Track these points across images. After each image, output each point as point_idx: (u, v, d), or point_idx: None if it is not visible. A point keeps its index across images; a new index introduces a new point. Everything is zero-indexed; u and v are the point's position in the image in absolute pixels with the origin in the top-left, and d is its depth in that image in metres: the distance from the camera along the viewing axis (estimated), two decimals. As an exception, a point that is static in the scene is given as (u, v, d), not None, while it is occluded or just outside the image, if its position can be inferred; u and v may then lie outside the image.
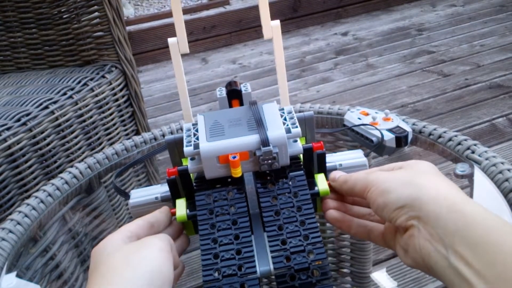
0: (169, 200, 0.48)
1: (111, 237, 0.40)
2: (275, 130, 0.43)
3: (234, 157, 0.42)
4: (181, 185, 0.46)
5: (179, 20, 0.49)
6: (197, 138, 0.45)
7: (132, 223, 0.43)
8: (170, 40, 0.48)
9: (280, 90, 0.52)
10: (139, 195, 0.50)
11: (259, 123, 0.44)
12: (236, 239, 0.41)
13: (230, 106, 0.53)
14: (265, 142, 0.42)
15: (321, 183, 0.46)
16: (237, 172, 0.42)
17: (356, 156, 0.51)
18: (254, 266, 0.39)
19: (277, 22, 0.49)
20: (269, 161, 0.42)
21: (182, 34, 0.47)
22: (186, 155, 0.44)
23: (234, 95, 0.52)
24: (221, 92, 0.53)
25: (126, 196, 0.51)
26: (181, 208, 0.45)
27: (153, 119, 1.86)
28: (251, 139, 0.43)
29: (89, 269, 0.39)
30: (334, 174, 0.46)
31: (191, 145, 0.44)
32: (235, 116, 0.47)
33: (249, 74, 2.21)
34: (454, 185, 0.40)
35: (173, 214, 0.46)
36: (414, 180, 0.39)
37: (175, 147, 0.52)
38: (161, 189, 0.50)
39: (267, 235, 0.41)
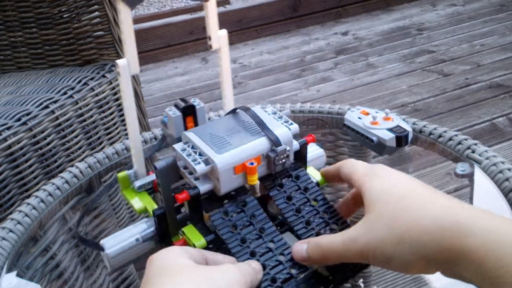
0: (152, 239, 0.44)
1: (173, 250, 0.37)
2: (279, 129, 0.43)
3: (252, 164, 0.41)
4: (190, 210, 0.42)
5: (129, 38, 0.42)
6: (200, 154, 0.41)
7: (189, 247, 0.39)
8: (120, 62, 0.42)
9: (225, 100, 0.51)
10: (114, 242, 0.43)
11: (263, 126, 0.43)
12: (272, 244, 0.40)
13: (185, 124, 0.48)
14: (277, 142, 0.42)
15: (316, 174, 0.48)
16: (254, 179, 0.41)
17: (313, 149, 0.51)
18: (304, 265, 0.39)
19: (224, 32, 0.48)
20: (283, 160, 0.42)
21: (133, 53, 0.42)
22: (199, 173, 0.40)
23: (189, 111, 0.47)
24: (174, 111, 0.47)
25: (97, 247, 0.44)
26: (195, 235, 0.42)
27: (153, 119, 1.86)
28: (261, 142, 0.42)
29: (148, 279, 0.35)
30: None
31: (199, 163, 0.40)
32: (227, 125, 0.44)
33: (249, 73, 2.21)
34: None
35: (183, 245, 0.42)
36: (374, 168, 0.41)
37: (167, 173, 0.44)
38: (137, 229, 0.44)
39: (298, 233, 0.41)
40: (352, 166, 0.42)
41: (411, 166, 1.38)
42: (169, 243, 0.43)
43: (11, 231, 0.52)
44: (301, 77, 2.14)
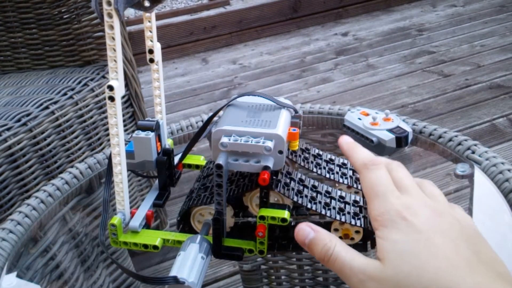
0: (210, 252, 0.43)
1: None
2: (285, 100, 0.45)
3: (294, 130, 0.42)
4: (262, 192, 0.41)
5: (119, 54, 0.37)
6: (252, 136, 0.40)
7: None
8: (115, 83, 0.37)
9: (158, 108, 0.51)
10: (187, 270, 0.40)
11: (274, 100, 0.44)
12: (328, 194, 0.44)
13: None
14: (295, 109, 0.44)
15: None
16: (296, 145, 0.43)
17: None
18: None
19: (159, 45, 0.49)
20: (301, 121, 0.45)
21: (121, 74, 0.38)
22: (271, 148, 0.39)
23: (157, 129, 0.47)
24: (146, 133, 0.46)
25: (175, 281, 0.40)
26: (274, 212, 0.41)
27: (153, 119, 1.86)
28: (286, 112, 0.43)
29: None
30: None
31: (264, 142, 0.40)
32: (241, 112, 0.43)
33: (249, 74, 2.22)
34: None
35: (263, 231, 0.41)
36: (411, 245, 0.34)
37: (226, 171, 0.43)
38: (192, 250, 0.42)
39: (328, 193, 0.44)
40: (373, 188, 0.37)
41: (411, 167, 1.37)
42: (220, 250, 0.43)
43: (11, 232, 0.52)
44: (301, 78, 2.14)
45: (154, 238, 0.45)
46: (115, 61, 0.37)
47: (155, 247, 0.45)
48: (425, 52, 2.25)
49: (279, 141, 0.40)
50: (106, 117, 1.01)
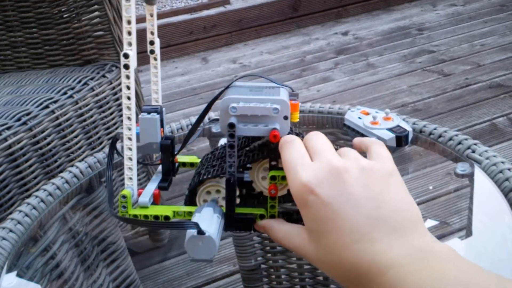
0: (222, 216, 0.43)
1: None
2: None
3: (295, 101, 0.42)
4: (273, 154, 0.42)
5: (134, 25, 0.40)
6: (259, 102, 0.42)
7: None
8: (130, 53, 0.40)
9: (156, 95, 0.53)
10: (207, 223, 0.40)
11: (273, 81, 0.45)
12: None
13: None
14: (293, 90, 0.45)
15: None
16: (297, 116, 0.43)
17: None
18: None
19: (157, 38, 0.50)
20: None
21: (135, 46, 0.41)
22: (278, 110, 0.41)
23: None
24: (152, 115, 0.47)
25: (192, 226, 0.40)
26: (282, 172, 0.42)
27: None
28: (284, 90, 0.44)
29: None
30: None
31: (271, 105, 0.41)
32: (244, 90, 0.44)
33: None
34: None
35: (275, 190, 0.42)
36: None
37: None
38: (207, 211, 0.42)
39: None
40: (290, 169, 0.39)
41: (411, 166, 1.38)
42: (233, 215, 0.43)
43: (11, 231, 0.52)
44: (301, 77, 2.14)
45: (165, 210, 0.45)
46: (129, 32, 0.40)
47: (166, 217, 0.44)
48: (425, 51, 2.25)
49: (285, 106, 0.41)
50: (106, 116, 1.02)
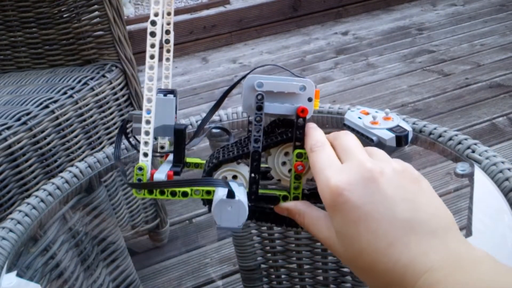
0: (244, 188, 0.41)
1: None
2: None
3: (316, 88, 0.42)
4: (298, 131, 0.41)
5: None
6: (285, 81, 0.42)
7: None
8: (156, 19, 0.40)
9: (167, 80, 0.52)
10: (236, 190, 0.39)
11: (289, 70, 0.44)
12: None
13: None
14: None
15: None
16: (318, 103, 0.42)
17: None
18: None
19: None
20: None
21: (160, 16, 0.41)
22: (307, 88, 0.41)
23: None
24: (169, 96, 0.47)
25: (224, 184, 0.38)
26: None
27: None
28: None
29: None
30: None
31: (294, 82, 0.41)
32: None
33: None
34: None
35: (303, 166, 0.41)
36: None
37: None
38: (232, 183, 0.41)
39: None
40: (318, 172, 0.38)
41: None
42: (257, 191, 0.41)
43: (11, 230, 0.52)
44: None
45: (181, 187, 0.42)
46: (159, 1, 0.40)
47: (184, 193, 0.41)
48: (425, 51, 2.25)
49: (311, 86, 0.41)
50: (105, 116, 1.01)
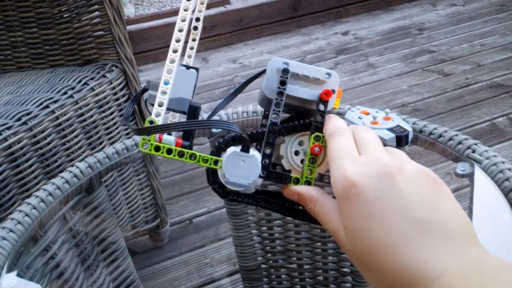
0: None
1: None
2: None
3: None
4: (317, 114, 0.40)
5: None
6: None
7: None
8: None
9: (189, 58, 0.53)
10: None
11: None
12: None
13: None
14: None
15: None
16: (338, 102, 0.42)
17: None
18: None
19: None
20: None
21: None
22: (332, 77, 0.40)
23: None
24: (192, 70, 0.47)
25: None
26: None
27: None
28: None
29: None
30: None
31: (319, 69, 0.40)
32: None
33: (249, 73, 2.21)
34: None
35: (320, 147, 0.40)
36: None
37: None
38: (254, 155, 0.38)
39: None
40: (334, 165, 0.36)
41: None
42: (269, 166, 0.40)
43: (11, 230, 0.52)
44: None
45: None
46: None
47: (192, 155, 0.38)
48: (425, 51, 2.25)
49: (335, 77, 0.40)
50: (106, 116, 1.02)
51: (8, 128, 0.83)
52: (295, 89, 0.40)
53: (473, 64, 2.07)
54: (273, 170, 0.40)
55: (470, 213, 0.52)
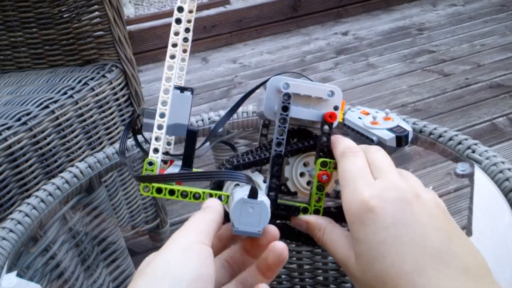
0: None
1: None
2: None
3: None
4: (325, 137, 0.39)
5: None
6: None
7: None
8: (183, 5, 0.39)
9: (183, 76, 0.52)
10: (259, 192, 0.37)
11: (309, 79, 0.43)
12: None
13: None
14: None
15: None
16: (342, 115, 0.42)
17: None
18: None
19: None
20: None
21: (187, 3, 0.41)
22: (335, 94, 0.40)
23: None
24: (186, 92, 0.47)
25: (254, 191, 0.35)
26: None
27: (153, 119, 1.86)
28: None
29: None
30: None
31: (321, 87, 0.39)
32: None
33: (249, 73, 2.21)
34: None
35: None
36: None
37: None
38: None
39: None
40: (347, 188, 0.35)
41: (411, 166, 1.37)
42: (276, 199, 0.39)
43: (11, 231, 0.52)
44: (301, 77, 2.14)
45: (193, 188, 0.39)
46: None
47: (196, 195, 0.37)
48: (425, 51, 2.25)
49: (338, 94, 0.39)
50: (106, 116, 1.01)
51: (8, 128, 0.83)
52: (298, 111, 0.38)
53: (473, 64, 2.07)
54: (280, 203, 0.39)
55: (470, 213, 0.52)
